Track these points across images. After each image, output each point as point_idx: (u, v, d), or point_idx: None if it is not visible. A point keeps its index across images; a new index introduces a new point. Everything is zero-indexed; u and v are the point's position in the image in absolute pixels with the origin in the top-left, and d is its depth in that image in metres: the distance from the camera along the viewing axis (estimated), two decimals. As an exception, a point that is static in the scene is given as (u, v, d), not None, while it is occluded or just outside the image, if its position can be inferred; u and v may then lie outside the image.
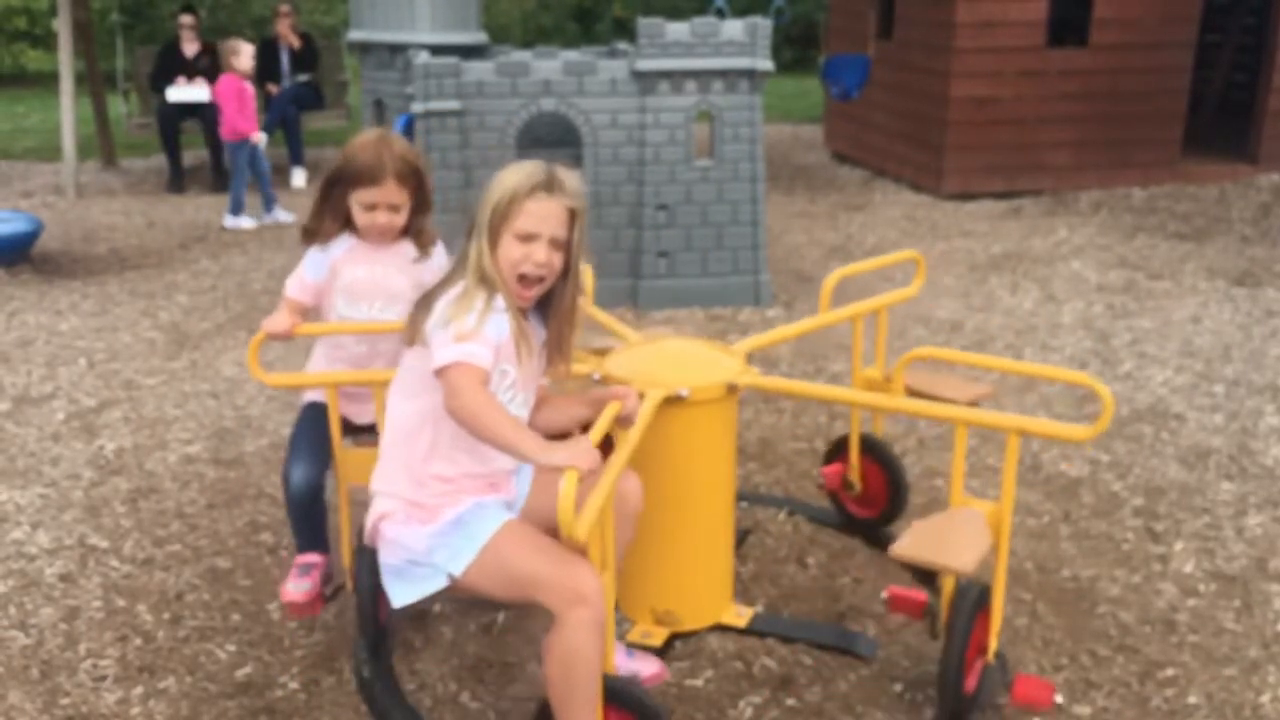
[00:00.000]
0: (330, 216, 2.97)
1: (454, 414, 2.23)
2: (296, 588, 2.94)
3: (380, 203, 2.89)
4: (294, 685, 2.89)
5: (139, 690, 2.88)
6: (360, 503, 2.68)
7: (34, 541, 3.63)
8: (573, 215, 2.41)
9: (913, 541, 2.52)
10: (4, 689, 2.87)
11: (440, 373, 2.25)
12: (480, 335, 2.27)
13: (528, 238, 2.36)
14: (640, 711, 2.35)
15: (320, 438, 2.94)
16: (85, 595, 3.32)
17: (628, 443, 2.42)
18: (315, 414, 3.00)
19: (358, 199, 2.90)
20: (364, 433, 3.12)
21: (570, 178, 2.41)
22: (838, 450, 3.61)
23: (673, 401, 2.81)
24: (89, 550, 3.58)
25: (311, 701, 2.83)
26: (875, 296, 3.52)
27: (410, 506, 2.41)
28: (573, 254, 2.44)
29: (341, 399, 2.97)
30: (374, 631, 2.80)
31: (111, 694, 2.86)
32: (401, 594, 2.41)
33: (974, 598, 2.56)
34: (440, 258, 3.01)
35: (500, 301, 2.34)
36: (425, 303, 2.39)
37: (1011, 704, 2.64)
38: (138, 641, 3.08)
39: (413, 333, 2.39)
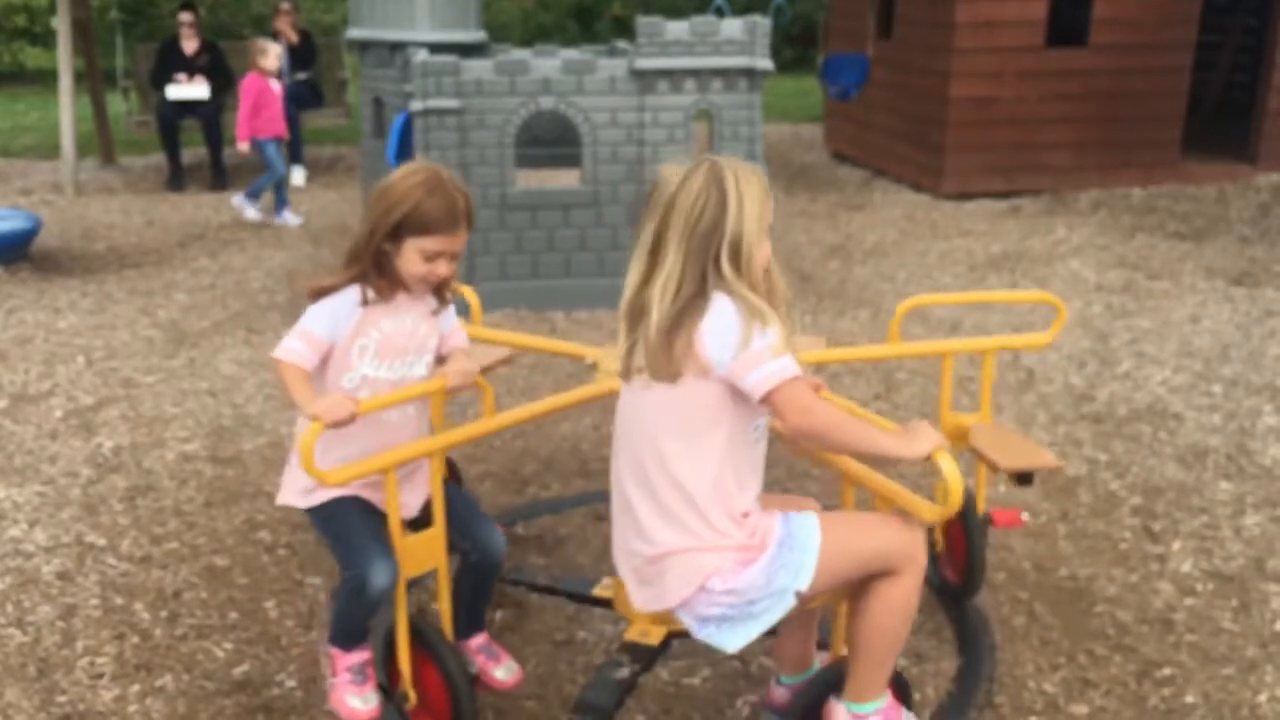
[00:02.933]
0: (378, 272, 2.49)
1: (807, 431, 2.08)
2: (364, 701, 2.51)
3: (446, 252, 2.49)
4: (291, 683, 2.89)
5: (136, 688, 2.87)
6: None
7: (31, 539, 3.63)
8: None
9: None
10: (1, 686, 2.87)
11: (771, 395, 2.07)
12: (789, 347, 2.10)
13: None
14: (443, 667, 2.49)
15: (377, 527, 2.48)
16: (83, 593, 3.31)
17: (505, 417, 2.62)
18: (354, 506, 2.51)
19: (419, 247, 2.45)
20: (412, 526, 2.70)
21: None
22: None
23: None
24: (86, 548, 3.58)
25: (309, 700, 2.83)
26: (992, 336, 3.32)
27: (740, 551, 2.18)
28: None
29: (377, 490, 2.51)
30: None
31: (109, 692, 2.86)
32: (742, 636, 2.21)
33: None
34: (451, 306, 2.70)
35: None
36: (667, 333, 2.10)
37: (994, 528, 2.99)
38: (135, 639, 3.08)
39: (672, 369, 2.12)
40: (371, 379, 2.51)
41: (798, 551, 2.18)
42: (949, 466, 2.12)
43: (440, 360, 2.67)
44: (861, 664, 2.28)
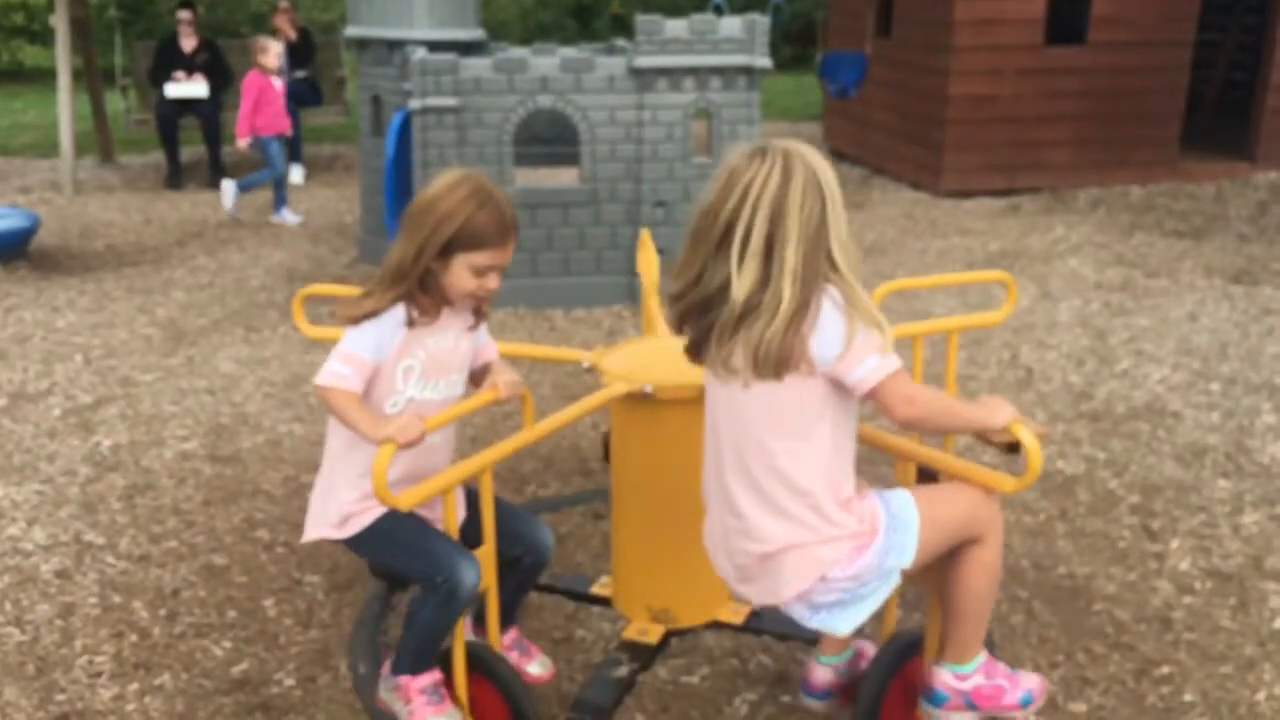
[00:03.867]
0: (422, 290, 2.35)
1: (914, 420, 2.11)
2: (449, 718, 2.42)
3: (497, 265, 2.37)
4: (290, 682, 2.89)
5: (135, 687, 2.87)
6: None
7: (30, 538, 3.63)
8: None
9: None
10: (0, 685, 2.88)
11: (876, 389, 2.08)
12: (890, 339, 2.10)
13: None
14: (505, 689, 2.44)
15: (439, 532, 2.43)
16: (81, 591, 3.31)
17: (531, 428, 2.52)
18: (411, 516, 2.38)
19: (470, 263, 2.32)
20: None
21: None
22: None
23: (671, 400, 2.80)
24: (85, 547, 3.58)
25: (307, 698, 2.83)
26: (949, 317, 3.38)
27: (854, 539, 2.19)
28: None
29: (435, 509, 2.46)
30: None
31: (107, 690, 2.86)
32: (854, 618, 2.23)
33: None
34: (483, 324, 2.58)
35: None
36: (784, 333, 2.06)
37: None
38: (133, 638, 3.08)
39: (781, 366, 2.08)
40: (418, 401, 2.39)
41: (901, 531, 2.22)
42: (1028, 436, 2.15)
43: (474, 374, 2.59)
44: (960, 627, 2.35)
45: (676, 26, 5.74)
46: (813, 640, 3.00)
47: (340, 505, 2.43)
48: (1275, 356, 5.20)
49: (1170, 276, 6.55)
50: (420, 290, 2.34)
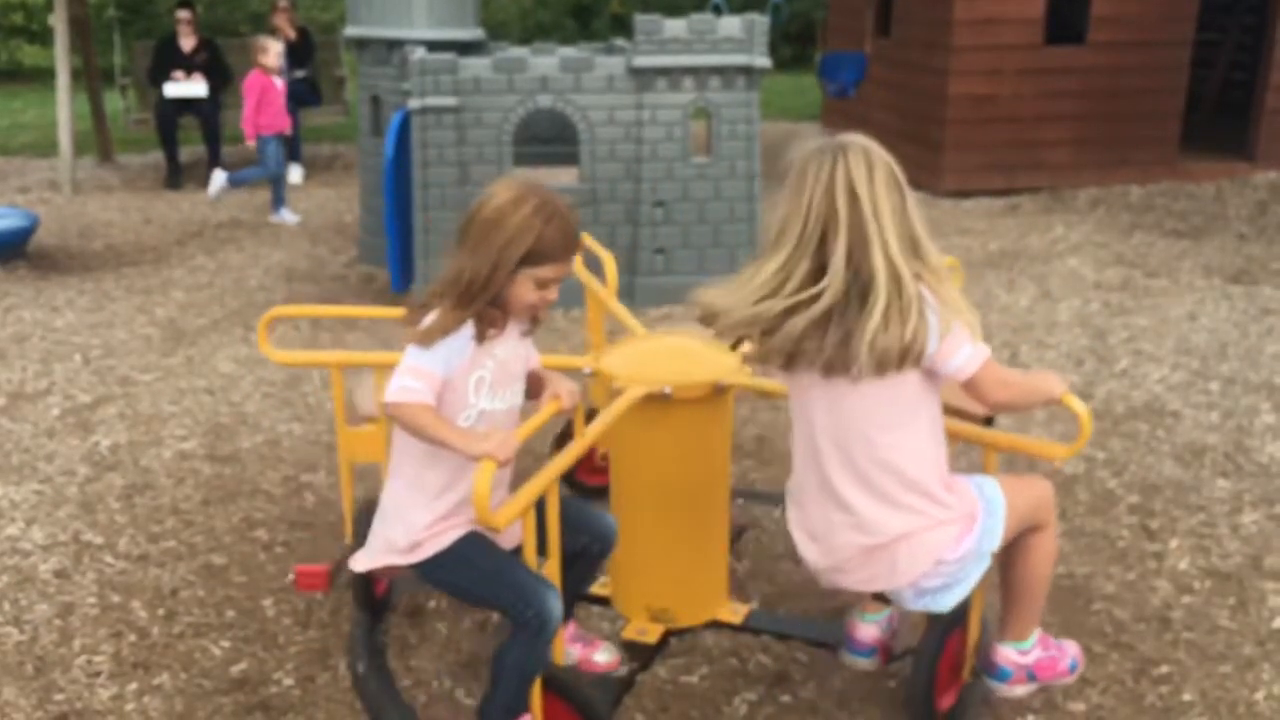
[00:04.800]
0: (493, 303, 2.30)
1: (1006, 402, 2.26)
2: None
3: (560, 278, 2.34)
4: (289, 682, 2.89)
5: (133, 686, 2.87)
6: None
7: (28, 537, 3.63)
8: None
9: None
10: (-2, 685, 2.87)
11: (975, 375, 2.18)
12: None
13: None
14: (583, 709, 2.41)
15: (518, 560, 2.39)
16: (80, 591, 3.31)
17: (581, 435, 2.46)
18: (486, 540, 2.38)
19: (535, 276, 2.28)
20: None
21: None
22: None
23: (669, 399, 2.81)
24: (84, 546, 3.57)
25: (306, 698, 2.83)
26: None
27: (960, 523, 2.28)
28: None
29: (509, 529, 2.37)
30: (371, 608, 2.81)
31: (106, 690, 2.86)
32: (955, 598, 2.33)
33: None
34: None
35: None
36: (901, 328, 2.09)
37: None
38: (132, 638, 3.08)
39: (903, 359, 2.12)
40: (488, 413, 2.34)
41: (994, 515, 2.31)
42: (1079, 405, 2.28)
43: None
44: (1021, 608, 2.48)
45: (676, 26, 5.74)
46: (813, 640, 3.01)
47: (411, 529, 2.34)
48: (1274, 356, 5.20)
49: (1169, 276, 6.55)
50: (492, 305, 2.30)
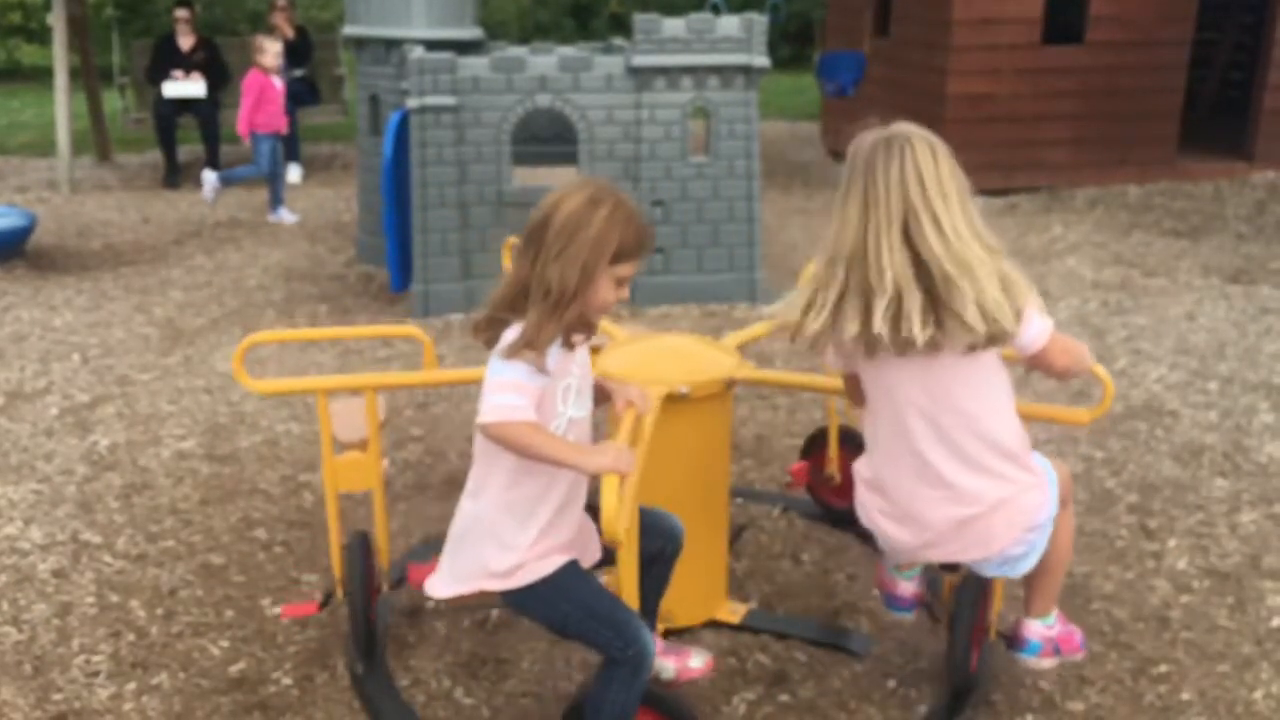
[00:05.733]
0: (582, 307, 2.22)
1: (1069, 368, 2.35)
2: None
3: (633, 274, 2.28)
4: (287, 681, 2.89)
5: (132, 686, 2.87)
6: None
7: (27, 537, 3.63)
8: None
9: None
10: (-4, 685, 2.87)
11: (1046, 345, 2.29)
12: None
13: None
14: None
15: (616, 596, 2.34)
16: (78, 591, 3.31)
17: (644, 441, 2.37)
18: (580, 570, 2.35)
19: (615, 275, 2.22)
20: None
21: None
22: (815, 444, 3.64)
23: (670, 398, 2.80)
24: (82, 546, 3.57)
25: (305, 698, 2.83)
26: None
27: (1040, 488, 2.39)
28: None
29: (582, 549, 2.39)
30: (366, 631, 2.79)
31: (104, 690, 2.86)
32: (1027, 565, 2.44)
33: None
34: None
35: None
36: (994, 303, 2.17)
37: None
38: (130, 637, 3.08)
39: (980, 341, 2.20)
40: (576, 420, 2.28)
41: (1053, 484, 2.42)
42: (1104, 371, 2.47)
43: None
44: (1046, 583, 2.57)
45: (674, 26, 5.74)
46: (811, 640, 3.01)
47: (511, 551, 2.26)
48: (1272, 356, 5.21)
49: (1168, 276, 6.55)
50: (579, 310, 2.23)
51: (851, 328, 2.23)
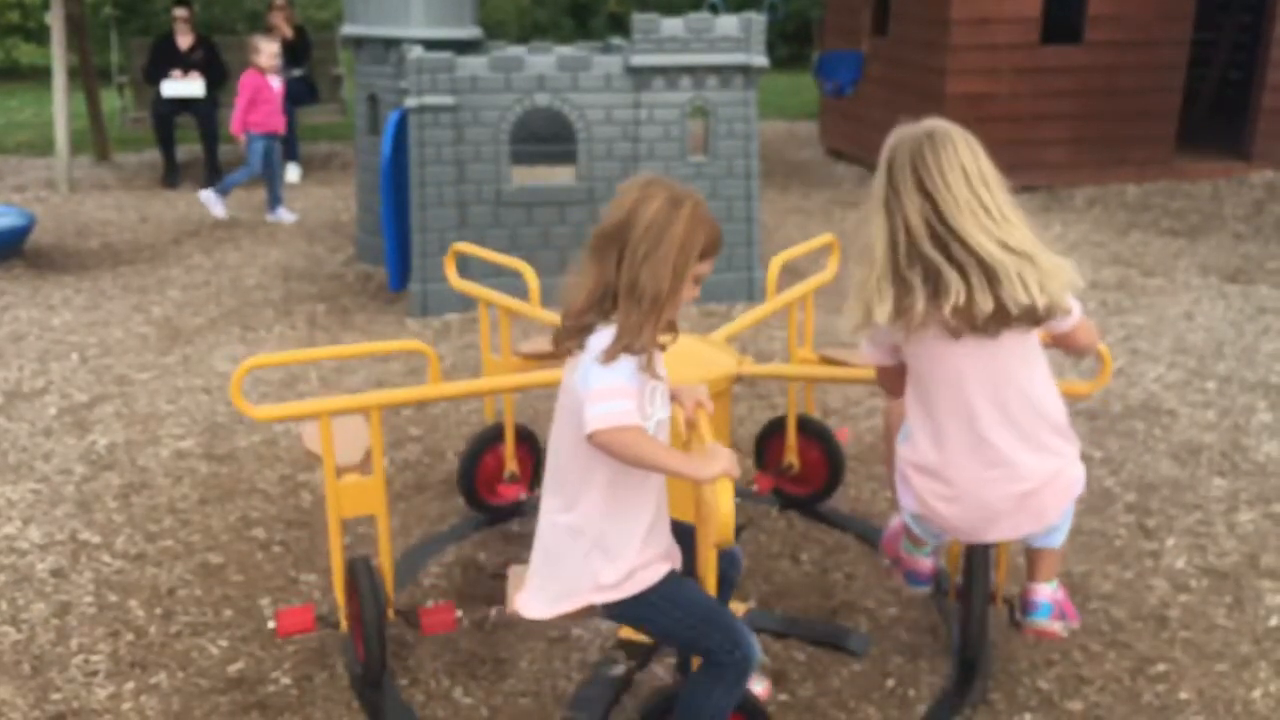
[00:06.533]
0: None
1: (1090, 347, 2.49)
2: None
3: (709, 272, 2.28)
4: (286, 681, 2.89)
5: (130, 685, 2.87)
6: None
7: (25, 536, 3.63)
8: None
9: None
10: (-5, 684, 2.87)
11: (1079, 324, 2.40)
12: None
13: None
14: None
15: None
16: (77, 590, 3.31)
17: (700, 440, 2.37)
18: (690, 580, 2.34)
19: (696, 274, 2.22)
20: None
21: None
22: (771, 433, 3.73)
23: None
24: (80, 545, 3.57)
25: (304, 697, 2.83)
26: (803, 283, 3.57)
27: (1079, 459, 2.52)
28: None
29: (676, 558, 2.37)
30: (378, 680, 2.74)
31: (103, 689, 2.86)
32: (1064, 535, 2.59)
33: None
34: None
35: None
36: (1050, 280, 2.29)
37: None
38: (129, 637, 3.08)
39: (1032, 321, 2.31)
40: (663, 421, 2.27)
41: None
42: (1105, 348, 2.58)
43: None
44: (1057, 550, 2.66)
45: (673, 25, 5.74)
46: (809, 640, 3.01)
47: (622, 562, 2.23)
48: (1271, 355, 5.21)
49: (1166, 275, 6.56)
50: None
51: (920, 313, 2.29)
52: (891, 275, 2.32)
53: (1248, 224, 7.77)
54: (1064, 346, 2.48)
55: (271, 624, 2.71)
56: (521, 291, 3.53)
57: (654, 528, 2.26)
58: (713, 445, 2.18)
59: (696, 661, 2.32)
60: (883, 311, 2.31)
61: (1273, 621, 3.13)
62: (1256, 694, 2.82)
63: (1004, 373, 2.37)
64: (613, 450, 2.09)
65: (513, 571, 2.51)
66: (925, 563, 2.80)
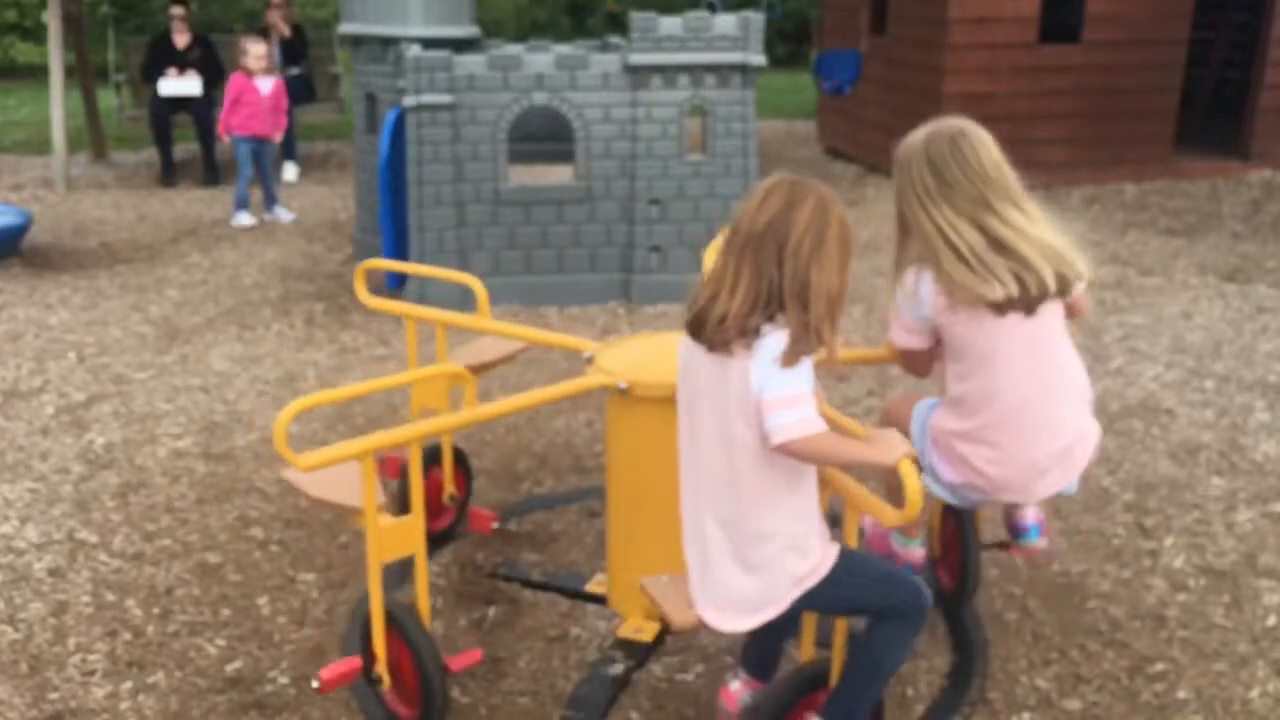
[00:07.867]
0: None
1: (1086, 314, 2.70)
2: None
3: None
4: (284, 680, 2.89)
5: (128, 685, 2.87)
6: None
7: (23, 536, 3.62)
8: None
9: None
10: (-8, 684, 2.87)
11: (1081, 295, 2.62)
12: None
13: None
14: None
15: None
16: (74, 590, 3.30)
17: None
18: (857, 549, 2.44)
19: None
20: None
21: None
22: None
23: (669, 398, 2.80)
24: (78, 545, 3.57)
25: (301, 697, 2.82)
26: None
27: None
28: None
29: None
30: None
31: (100, 688, 2.85)
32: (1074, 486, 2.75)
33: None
34: None
35: None
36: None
37: None
38: (127, 636, 3.08)
39: (1066, 290, 2.54)
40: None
41: None
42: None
43: None
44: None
45: (671, 24, 5.74)
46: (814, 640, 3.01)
47: (808, 555, 2.24)
48: (1269, 354, 5.22)
49: (1164, 274, 6.56)
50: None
51: (988, 294, 2.44)
52: (975, 260, 2.46)
53: (1245, 223, 7.78)
54: (1068, 312, 2.61)
55: (315, 683, 2.55)
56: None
57: (817, 509, 2.30)
58: (879, 430, 2.25)
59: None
60: (1003, 290, 2.44)
61: (1270, 620, 3.13)
62: (1254, 693, 2.83)
63: (1044, 341, 2.54)
64: (803, 455, 2.11)
65: (653, 584, 2.45)
66: (919, 553, 2.88)
